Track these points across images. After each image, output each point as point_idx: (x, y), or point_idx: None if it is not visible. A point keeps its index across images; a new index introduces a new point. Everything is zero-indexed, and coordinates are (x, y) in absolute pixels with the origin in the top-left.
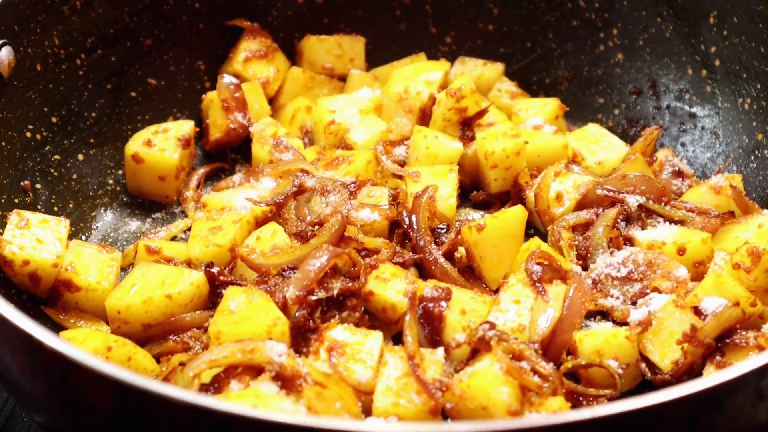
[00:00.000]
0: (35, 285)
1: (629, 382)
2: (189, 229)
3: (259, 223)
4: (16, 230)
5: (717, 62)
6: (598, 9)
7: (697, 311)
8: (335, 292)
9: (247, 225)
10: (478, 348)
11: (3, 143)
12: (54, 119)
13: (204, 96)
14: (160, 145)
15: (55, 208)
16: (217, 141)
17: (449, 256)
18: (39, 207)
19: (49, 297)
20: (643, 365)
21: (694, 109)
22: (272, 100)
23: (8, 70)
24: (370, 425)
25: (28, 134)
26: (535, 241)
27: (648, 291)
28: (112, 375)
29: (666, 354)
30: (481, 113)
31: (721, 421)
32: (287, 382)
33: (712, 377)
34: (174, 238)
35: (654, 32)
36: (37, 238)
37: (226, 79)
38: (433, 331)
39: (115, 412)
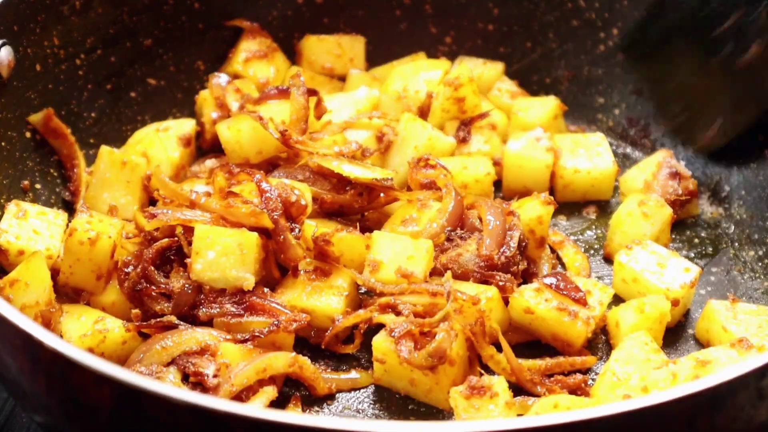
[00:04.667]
0: None
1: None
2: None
3: None
4: (14, 220)
5: None
6: (598, 9)
7: None
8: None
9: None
10: None
11: (3, 143)
12: None
13: (197, 96)
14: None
15: (55, 209)
16: (214, 138)
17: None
18: None
19: None
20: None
21: None
22: None
23: (8, 70)
24: (370, 425)
25: (28, 134)
26: None
27: None
28: (112, 375)
29: None
30: (483, 116)
31: (721, 421)
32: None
33: (712, 377)
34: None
35: None
36: (33, 229)
37: (215, 79)
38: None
39: (115, 412)
